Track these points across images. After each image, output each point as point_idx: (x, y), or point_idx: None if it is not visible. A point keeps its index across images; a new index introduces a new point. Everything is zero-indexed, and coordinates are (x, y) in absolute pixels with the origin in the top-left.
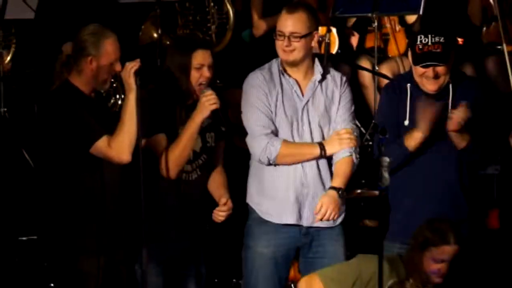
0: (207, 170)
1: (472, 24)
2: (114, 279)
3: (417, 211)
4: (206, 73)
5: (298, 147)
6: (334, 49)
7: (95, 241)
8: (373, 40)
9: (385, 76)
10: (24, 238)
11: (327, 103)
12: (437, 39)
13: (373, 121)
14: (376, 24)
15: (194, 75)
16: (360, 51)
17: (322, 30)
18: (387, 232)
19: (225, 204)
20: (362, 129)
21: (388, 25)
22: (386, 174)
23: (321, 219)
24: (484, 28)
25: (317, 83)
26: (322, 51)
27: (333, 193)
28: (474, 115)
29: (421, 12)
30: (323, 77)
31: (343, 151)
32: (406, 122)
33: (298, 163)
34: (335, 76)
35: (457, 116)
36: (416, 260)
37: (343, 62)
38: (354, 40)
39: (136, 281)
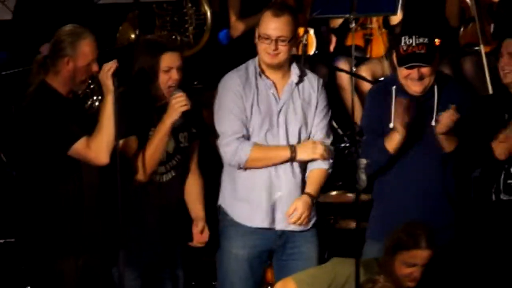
0: (182, 171)
1: (450, 26)
2: (91, 282)
3: (404, 214)
4: (175, 75)
5: (267, 150)
6: (312, 50)
7: (73, 244)
8: (355, 39)
9: (362, 78)
10: (1, 241)
11: (304, 106)
12: (421, 40)
13: (354, 123)
14: (353, 25)
15: (163, 78)
16: (340, 50)
17: (299, 31)
18: (373, 230)
19: (201, 233)
20: (339, 130)
21: (374, 25)
22: (363, 176)
23: (293, 223)
24: (462, 29)
25: (294, 85)
26: (299, 52)
27: (308, 198)
28: (460, 117)
29: (398, 13)
30: (300, 79)
31: (320, 162)
32: (391, 125)
33: (269, 166)
34: (311, 79)
35: (446, 118)
36: (389, 263)
37: (321, 63)
38: (332, 42)
39: (114, 284)
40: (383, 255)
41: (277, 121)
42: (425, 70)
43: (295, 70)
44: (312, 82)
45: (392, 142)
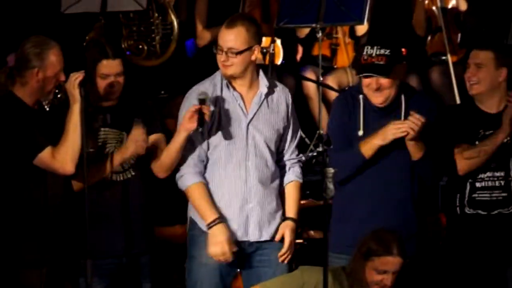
0: (143, 170)
1: (417, 35)
2: None
3: (368, 224)
4: (111, 82)
5: (200, 201)
6: (279, 60)
7: (38, 254)
8: (320, 48)
9: (329, 87)
10: None
11: (273, 117)
12: (382, 51)
13: (318, 132)
14: (320, 35)
15: (100, 83)
16: (307, 59)
17: (266, 41)
18: (335, 243)
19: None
20: (306, 139)
21: (339, 35)
22: (330, 185)
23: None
24: (429, 39)
25: (263, 96)
26: (267, 62)
27: (292, 223)
28: (426, 128)
29: (365, 23)
30: (269, 90)
31: (292, 176)
32: (360, 133)
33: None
34: (279, 90)
35: (410, 123)
36: (359, 270)
37: (288, 73)
38: (299, 52)
39: None
40: (352, 262)
41: (246, 133)
42: (384, 81)
43: (263, 81)
44: (280, 93)
45: (370, 148)
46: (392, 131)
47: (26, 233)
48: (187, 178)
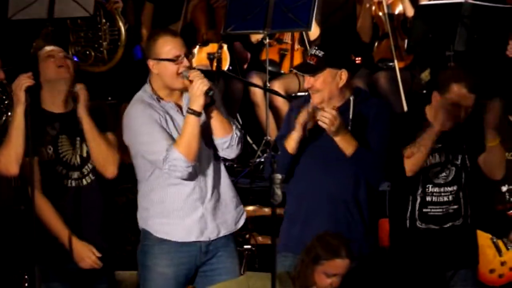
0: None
1: (361, 41)
2: None
3: (312, 224)
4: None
5: (182, 135)
6: (226, 66)
7: None
8: (270, 54)
9: (276, 93)
10: None
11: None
12: (317, 52)
13: (265, 138)
14: (267, 41)
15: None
16: (254, 64)
17: (213, 47)
18: (280, 244)
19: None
20: (254, 145)
21: (289, 41)
22: (278, 191)
23: None
24: (376, 45)
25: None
26: (214, 68)
27: None
28: (369, 127)
29: (312, 29)
30: None
31: None
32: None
33: (197, 139)
34: None
35: (321, 116)
36: (308, 274)
37: (235, 79)
38: (247, 58)
39: None
40: (299, 267)
41: None
42: (313, 81)
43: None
44: None
45: (291, 142)
46: (299, 119)
47: None
48: (172, 159)
